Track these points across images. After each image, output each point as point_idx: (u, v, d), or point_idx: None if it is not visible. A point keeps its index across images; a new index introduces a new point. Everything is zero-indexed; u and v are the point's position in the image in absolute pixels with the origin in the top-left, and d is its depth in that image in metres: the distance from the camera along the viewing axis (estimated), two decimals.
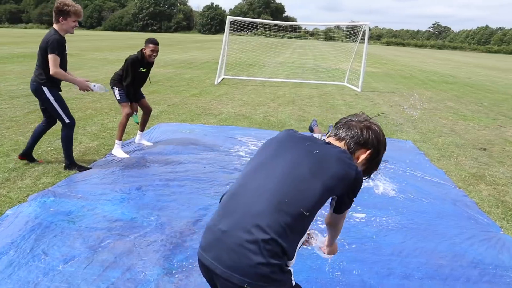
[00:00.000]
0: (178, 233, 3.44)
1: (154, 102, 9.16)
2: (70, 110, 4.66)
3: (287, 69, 19.85)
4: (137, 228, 3.48)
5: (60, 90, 4.60)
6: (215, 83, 12.96)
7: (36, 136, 4.80)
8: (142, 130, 5.96)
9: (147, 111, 5.88)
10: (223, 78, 14.13)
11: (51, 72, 4.23)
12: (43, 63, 4.33)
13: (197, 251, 1.74)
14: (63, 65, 4.42)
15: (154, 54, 5.42)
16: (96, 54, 21.34)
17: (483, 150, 7.01)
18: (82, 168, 4.69)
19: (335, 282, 2.92)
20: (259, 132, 7.13)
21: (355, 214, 4.07)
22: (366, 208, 4.23)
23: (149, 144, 5.92)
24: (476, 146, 7.28)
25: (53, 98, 4.45)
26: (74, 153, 4.85)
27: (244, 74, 15.72)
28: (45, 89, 4.40)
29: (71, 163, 4.70)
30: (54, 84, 4.44)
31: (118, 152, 5.35)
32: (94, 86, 4.61)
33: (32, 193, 4.05)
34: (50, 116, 4.74)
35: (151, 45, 5.36)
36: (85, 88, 4.52)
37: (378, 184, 4.94)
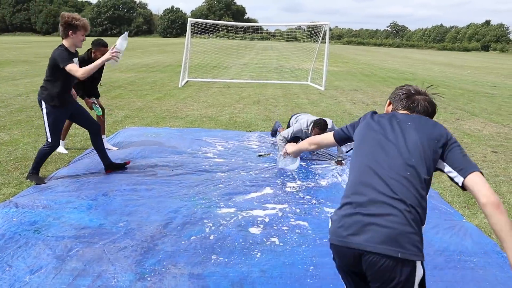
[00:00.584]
0: (148, 237, 3.39)
1: (118, 107, 9.00)
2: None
3: (251, 70, 19.91)
4: (106, 235, 3.41)
5: (63, 106, 4.43)
6: (179, 85, 12.86)
7: (98, 150, 4.83)
8: (103, 133, 5.82)
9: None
10: (187, 81, 14.03)
11: (80, 78, 4.15)
12: (48, 77, 4.29)
13: (330, 241, 1.85)
14: (71, 80, 4.38)
15: None
16: None
17: None
18: (40, 181, 4.48)
19: (309, 276, 2.95)
20: (226, 133, 7.13)
21: (326, 209, 4.13)
22: (336, 203, 4.29)
23: (114, 148, 5.81)
24: None
25: (46, 115, 4.37)
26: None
27: (208, 76, 15.67)
28: (43, 104, 4.36)
29: (33, 174, 4.53)
30: (55, 101, 4.33)
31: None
32: (117, 44, 4.29)
33: None
34: (85, 123, 4.72)
35: (102, 48, 5.27)
36: (114, 55, 4.16)
37: (345, 179, 5.03)
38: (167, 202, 4.13)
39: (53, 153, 5.52)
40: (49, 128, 4.41)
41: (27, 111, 8.19)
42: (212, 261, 3.08)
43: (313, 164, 5.64)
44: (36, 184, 4.43)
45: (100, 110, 5.58)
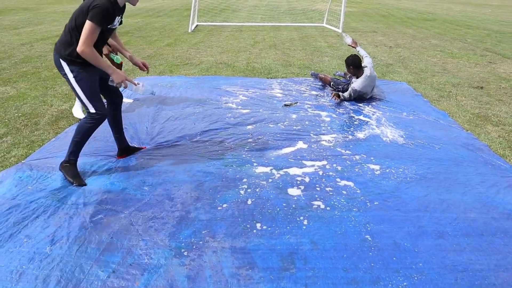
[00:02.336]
0: (179, 203, 3.02)
1: None
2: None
3: (262, 12, 18.95)
4: (131, 201, 3.04)
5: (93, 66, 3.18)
6: (189, 30, 12.16)
7: (114, 128, 3.75)
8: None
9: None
10: (197, 25, 13.29)
11: (78, 49, 2.98)
12: (73, 30, 3.10)
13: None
14: (100, 43, 3.24)
15: None
16: (56, 7, 19.84)
17: (480, 89, 6.71)
18: (77, 181, 3.28)
19: (367, 248, 2.59)
20: (246, 80, 6.63)
21: (371, 166, 3.72)
22: (378, 158, 3.88)
23: (129, 101, 5.36)
24: (472, 84, 6.97)
25: (75, 80, 3.17)
26: (46, 118, 4.27)
27: (218, 19, 14.87)
28: (67, 67, 3.16)
29: (70, 164, 3.35)
30: (80, 58, 3.13)
31: (77, 111, 4.84)
32: (139, 84, 3.48)
33: (3, 169, 3.52)
34: (109, 92, 3.56)
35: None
36: (121, 81, 3.24)
37: (384, 131, 4.59)
38: (194, 160, 3.74)
39: (64, 107, 5.10)
40: (85, 95, 3.18)
41: (33, 62, 7.68)
42: (255, 231, 2.72)
43: (346, 114, 5.17)
44: (72, 183, 3.26)
45: (119, 57, 4.92)
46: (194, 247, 2.54)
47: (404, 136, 4.48)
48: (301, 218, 2.89)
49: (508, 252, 2.61)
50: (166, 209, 2.94)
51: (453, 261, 2.50)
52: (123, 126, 3.82)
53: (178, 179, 3.39)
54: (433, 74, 7.60)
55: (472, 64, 8.69)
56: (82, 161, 3.60)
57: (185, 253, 2.48)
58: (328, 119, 4.97)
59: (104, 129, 4.19)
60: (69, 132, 4.30)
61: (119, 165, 3.59)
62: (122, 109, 4.21)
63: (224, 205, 3.02)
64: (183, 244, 2.56)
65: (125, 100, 5.25)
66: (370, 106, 5.49)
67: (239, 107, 5.28)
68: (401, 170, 3.67)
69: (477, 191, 3.38)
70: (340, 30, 12.90)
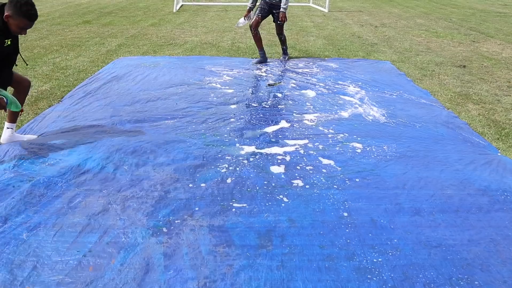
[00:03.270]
0: (158, 183, 3.01)
1: (110, 35, 8.32)
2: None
3: None
4: (110, 182, 3.03)
5: None
6: (174, 10, 11.98)
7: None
8: (14, 121, 3.58)
9: (23, 87, 3.57)
10: (182, 5, 13.10)
11: None
12: None
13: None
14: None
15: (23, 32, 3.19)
16: None
17: (462, 68, 6.75)
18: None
19: (344, 224, 2.62)
20: (230, 60, 6.58)
21: (352, 144, 3.75)
22: (360, 137, 3.91)
23: (33, 137, 3.75)
24: (455, 63, 7.01)
25: None
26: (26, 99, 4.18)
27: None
28: None
29: None
30: None
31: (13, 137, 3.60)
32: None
33: None
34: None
35: (25, 20, 3.06)
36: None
37: (367, 110, 4.61)
38: (175, 140, 3.73)
39: (44, 88, 5.03)
40: None
41: None
42: (234, 209, 2.73)
43: (330, 93, 5.18)
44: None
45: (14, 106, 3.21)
46: (172, 226, 2.55)
47: (386, 115, 4.51)
48: (281, 196, 2.91)
49: (481, 227, 2.67)
50: (145, 189, 2.94)
51: (428, 237, 2.55)
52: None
53: (158, 159, 3.38)
54: (417, 53, 7.62)
55: (456, 43, 8.72)
56: (61, 141, 3.57)
57: (163, 231, 2.49)
58: (311, 98, 4.97)
59: (88, 110, 4.14)
60: (48, 114, 4.25)
61: (99, 144, 3.56)
62: (104, 87, 4.18)
63: (204, 184, 3.02)
64: (161, 223, 2.57)
65: (29, 136, 3.75)
66: (353, 85, 5.50)
67: (223, 87, 5.25)
68: (381, 148, 3.70)
69: (455, 168, 3.43)
70: (326, 10, 12.82)
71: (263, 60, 6.53)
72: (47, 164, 3.22)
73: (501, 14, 13.81)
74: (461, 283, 2.20)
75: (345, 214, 2.73)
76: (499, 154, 3.78)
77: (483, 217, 2.79)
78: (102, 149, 3.48)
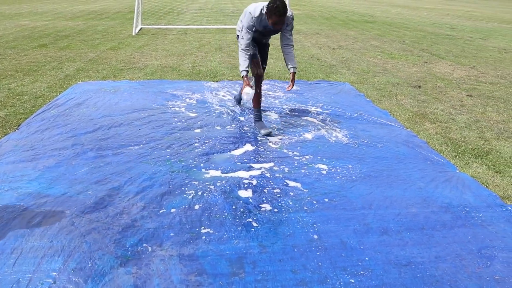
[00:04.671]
0: (124, 213, 2.93)
1: (68, 59, 8.14)
2: None
3: (207, 14, 18.86)
4: (73, 202, 2.93)
5: None
6: (133, 33, 11.89)
7: None
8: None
9: None
10: (141, 28, 13.02)
11: None
12: None
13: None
14: None
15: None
16: None
17: (418, 88, 7.02)
18: None
19: (314, 247, 2.62)
20: (192, 84, 6.56)
21: (317, 166, 3.79)
22: (325, 158, 3.96)
23: None
24: (410, 84, 7.28)
25: None
26: None
27: (162, 22, 14.64)
28: None
29: None
30: None
31: None
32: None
33: None
34: None
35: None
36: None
37: (329, 131, 4.69)
38: (139, 167, 3.65)
39: (0, 116, 4.84)
40: None
41: None
42: (203, 237, 2.69)
43: (292, 115, 5.24)
44: None
45: None
46: (141, 256, 2.47)
47: (348, 136, 4.60)
48: (250, 220, 2.89)
49: (446, 244, 2.74)
50: (110, 216, 2.85)
51: (397, 256, 2.59)
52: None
53: (123, 188, 3.30)
54: (374, 74, 7.87)
55: (410, 64, 9.08)
56: (21, 172, 3.42)
57: (132, 262, 2.40)
58: (274, 120, 5.01)
59: (48, 138, 4.00)
60: (4, 143, 4.07)
61: (61, 175, 3.44)
62: (64, 114, 4.07)
63: (171, 212, 2.96)
64: (129, 252, 2.48)
65: None
66: (315, 106, 5.60)
67: (186, 111, 5.22)
68: (346, 169, 3.76)
69: (418, 186, 3.53)
70: None
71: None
72: (5, 189, 3.08)
73: (449, 36, 14.54)
74: None
75: (315, 236, 2.74)
76: (457, 171, 3.92)
77: (448, 233, 2.88)
78: (64, 180, 3.35)
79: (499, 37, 15.24)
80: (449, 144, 4.61)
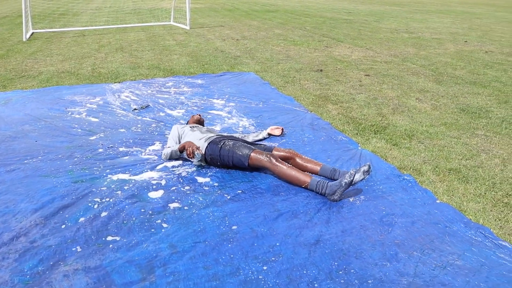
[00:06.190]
0: (22, 235, 2.70)
1: None
2: None
3: (106, 14, 18.07)
4: None
5: None
6: (24, 39, 11.05)
7: None
8: None
9: None
10: (33, 33, 12.15)
11: None
12: None
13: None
14: None
15: None
16: None
17: (320, 72, 7.29)
18: None
19: (226, 240, 2.61)
20: (92, 87, 6.25)
21: None
22: None
23: None
24: (313, 68, 7.54)
25: None
26: None
27: (57, 25, 13.78)
28: None
29: None
30: None
31: None
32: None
33: None
34: None
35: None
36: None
37: (236, 122, 4.71)
38: (37, 183, 3.40)
39: None
40: None
41: None
42: (110, 245, 2.57)
43: (198, 110, 5.19)
44: None
45: None
46: (42, 276, 2.30)
47: (255, 125, 4.65)
48: (159, 222, 2.82)
49: (351, 218, 2.87)
50: (6, 243, 2.61)
51: (306, 237, 2.66)
52: None
53: (19, 206, 3.05)
54: (278, 62, 8.04)
55: (311, 49, 9.40)
56: None
57: (31, 285, 2.23)
58: (181, 116, 4.93)
59: None
60: None
61: None
62: None
63: (75, 225, 2.80)
64: (28, 277, 2.30)
65: None
66: (220, 99, 5.59)
67: (87, 116, 4.96)
68: None
69: None
70: (188, 27, 12.93)
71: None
72: None
73: (347, 20, 15.26)
74: (340, 273, 2.33)
75: (226, 229, 2.73)
76: (359, 148, 4.13)
77: (352, 208, 3.02)
78: None
79: (390, 18, 16.29)
80: (351, 123, 4.83)
